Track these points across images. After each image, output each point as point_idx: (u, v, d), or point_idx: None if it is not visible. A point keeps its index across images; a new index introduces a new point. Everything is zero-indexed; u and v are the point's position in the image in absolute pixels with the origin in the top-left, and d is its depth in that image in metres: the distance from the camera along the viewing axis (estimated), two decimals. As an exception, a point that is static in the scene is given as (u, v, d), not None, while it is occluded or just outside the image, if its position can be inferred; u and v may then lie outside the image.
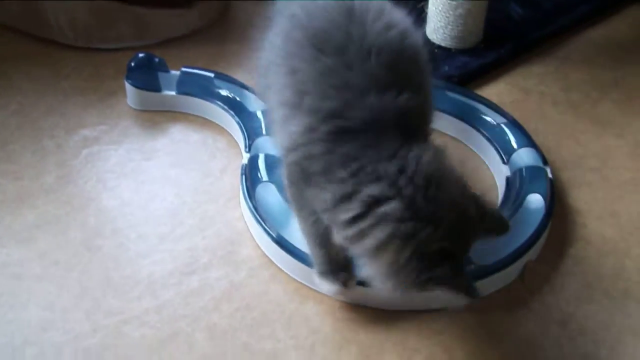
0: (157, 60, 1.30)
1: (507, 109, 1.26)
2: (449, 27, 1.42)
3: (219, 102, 1.26)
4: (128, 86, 1.29)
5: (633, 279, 1.05)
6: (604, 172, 1.23)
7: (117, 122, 1.29)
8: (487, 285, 1.01)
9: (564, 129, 1.31)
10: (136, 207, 1.13)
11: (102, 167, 1.20)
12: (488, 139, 1.21)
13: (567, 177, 1.21)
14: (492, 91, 1.39)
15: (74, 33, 1.42)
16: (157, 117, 1.30)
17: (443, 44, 1.45)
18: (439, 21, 1.43)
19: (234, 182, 1.15)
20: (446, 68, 1.39)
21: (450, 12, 1.40)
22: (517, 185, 1.12)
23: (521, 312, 1.00)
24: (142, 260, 1.05)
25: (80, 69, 1.40)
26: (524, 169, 1.14)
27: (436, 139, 1.24)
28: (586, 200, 1.18)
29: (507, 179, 1.15)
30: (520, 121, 1.23)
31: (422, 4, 1.46)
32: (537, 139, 1.20)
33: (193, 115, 1.29)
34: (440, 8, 1.41)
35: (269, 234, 1.03)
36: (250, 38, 1.51)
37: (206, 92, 1.28)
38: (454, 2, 1.39)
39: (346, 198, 0.83)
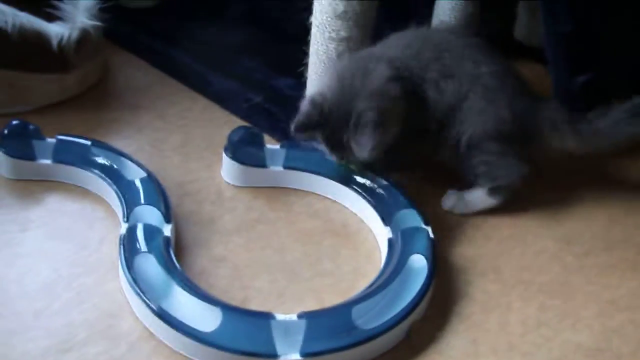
0: (31, 127, 1.26)
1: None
2: (329, 90, 1.43)
3: (97, 171, 1.23)
4: (1, 155, 1.25)
5: (516, 332, 1.07)
6: (484, 230, 1.26)
7: (-11, 192, 1.24)
8: (372, 350, 1.01)
9: (444, 187, 1.32)
10: (10, 282, 1.08)
11: (-28, 240, 1.15)
12: (369, 202, 1.23)
13: (449, 236, 1.23)
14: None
15: (-58, 98, 1.38)
16: (32, 186, 1.25)
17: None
18: (320, 84, 1.44)
19: (113, 252, 1.11)
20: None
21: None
22: (399, 246, 1.13)
23: (407, 375, 1.01)
24: (15, 338, 1.00)
25: (-50, 137, 1.35)
26: (405, 230, 1.16)
27: (317, 204, 1.27)
28: (469, 257, 1.20)
29: (389, 240, 1.15)
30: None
31: (302, 69, 1.47)
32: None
33: (70, 184, 1.26)
34: (319, 71, 1.42)
35: (149, 306, 1.00)
36: (129, 103, 1.50)
37: (83, 160, 1.25)
38: (333, 66, 1.40)
39: None
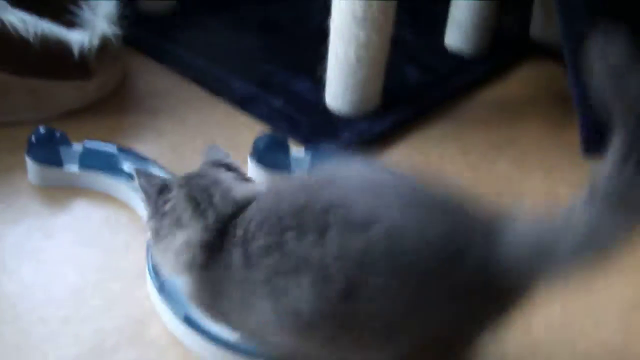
0: (58, 134, 1.28)
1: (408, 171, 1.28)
2: (348, 92, 1.44)
3: (122, 177, 1.24)
4: (29, 161, 1.27)
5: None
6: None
7: (15, 199, 1.25)
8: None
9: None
10: (37, 290, 1.10)
11: (-1, 248, 1.17)
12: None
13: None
14: (393, 155, 1.42)
15: (-34, 107, 1.39)
16: (57, 193, 1.27)
17: (342, 111, 1.48)
18: (338, 87, 1.45)
19: (139, 259, 1.13)
20: (346, 134, 1.41)
21: (349, 79, 1.43)
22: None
23: None
24: (45, 346, 1.01)
25: (-25, 145, 1.36)
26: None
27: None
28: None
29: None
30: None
31: (320, 73, 1.48)
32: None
33: (95, 190, 1.27)
34: (338, 74, 1.43)
35: (176, 313, 1.01)
36: (149, 108, 1.51)
37: (109, 166, 1.26)
38: (352, 69, 1.41)
39: None
